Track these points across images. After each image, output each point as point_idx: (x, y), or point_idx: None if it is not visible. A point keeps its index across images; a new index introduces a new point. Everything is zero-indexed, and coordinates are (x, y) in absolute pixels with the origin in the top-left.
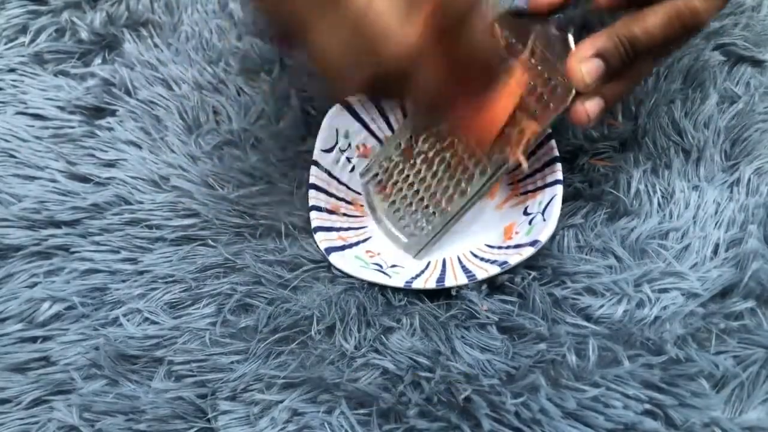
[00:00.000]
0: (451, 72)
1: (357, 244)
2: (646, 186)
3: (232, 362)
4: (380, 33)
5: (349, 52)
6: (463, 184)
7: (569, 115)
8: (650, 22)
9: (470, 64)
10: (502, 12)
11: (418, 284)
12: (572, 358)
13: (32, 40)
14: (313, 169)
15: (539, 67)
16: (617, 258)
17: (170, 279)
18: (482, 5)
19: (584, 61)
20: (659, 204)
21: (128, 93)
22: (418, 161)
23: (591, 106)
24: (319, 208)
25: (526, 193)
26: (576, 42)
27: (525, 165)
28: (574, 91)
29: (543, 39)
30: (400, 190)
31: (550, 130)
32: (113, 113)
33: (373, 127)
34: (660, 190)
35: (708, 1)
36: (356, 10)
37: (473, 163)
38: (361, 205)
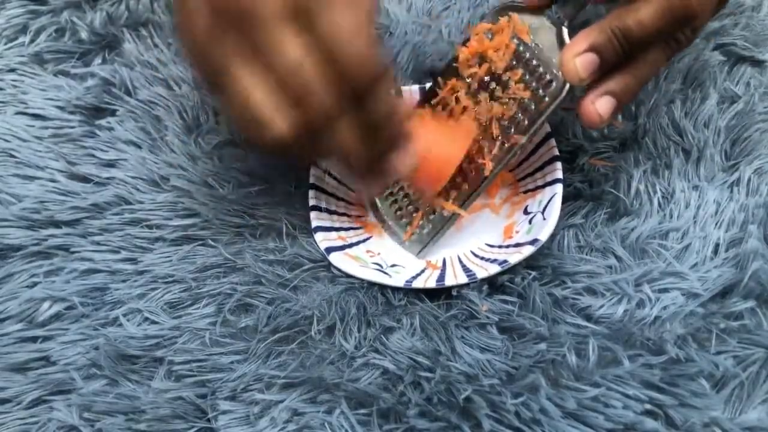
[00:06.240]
0: (361, 134)
1: (357, 243)
2: (646, 186)
3: (232, 362)
4: (310, 87)
5: (270, 101)
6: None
7: (581, 118)
8: (643, 13)
9: (377, 128)
10: (498, 7)
11: (418, 284)
12: (572, 358)
13: (32, 40)
14: (313, 168)
15: (534, 62)
16: (617, 258)
17: (170, 279)
18: (388, 75)
19: (578, 55)
20: (659, 204)
21: (128, 93)
22: None
23: (601, 105)
24: (319, 208)
25: (526, 192)
26: (570, 36)
27: (523, 140)
28: (568, 85)
29: (538, 32)
30: (401, 188)
31: (549, 129)
32: (113, 113)
33: None
34: (660, 190)
35: None
36: (290, 62)
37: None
38: (362, 205)
